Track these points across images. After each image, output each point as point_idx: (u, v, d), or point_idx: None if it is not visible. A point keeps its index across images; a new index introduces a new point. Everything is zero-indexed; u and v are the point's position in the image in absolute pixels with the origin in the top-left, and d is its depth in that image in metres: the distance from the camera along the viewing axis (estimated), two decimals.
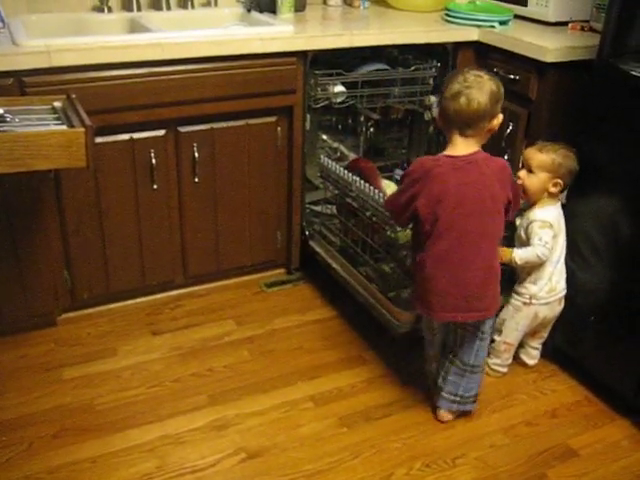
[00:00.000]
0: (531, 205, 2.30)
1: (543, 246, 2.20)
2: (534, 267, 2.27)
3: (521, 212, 2.32)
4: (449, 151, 1.99)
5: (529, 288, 2.30)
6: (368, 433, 2.17)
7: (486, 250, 2.00)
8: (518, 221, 2.33)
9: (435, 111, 2.98)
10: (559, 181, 2.24)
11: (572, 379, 2.45)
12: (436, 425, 2.22)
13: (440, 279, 1.99)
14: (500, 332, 2.39)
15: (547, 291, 2.30)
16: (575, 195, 2.32)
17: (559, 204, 2.30)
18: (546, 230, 2.22)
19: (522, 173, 2.29)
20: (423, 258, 2.00)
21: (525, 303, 2.31)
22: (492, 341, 2.40)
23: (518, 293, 2.33)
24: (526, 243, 2.26)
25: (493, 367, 2.44)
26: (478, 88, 1.93)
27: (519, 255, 2.23)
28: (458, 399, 2.19)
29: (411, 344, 2.42)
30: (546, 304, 2.31)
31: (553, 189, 2.25)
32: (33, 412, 2.20)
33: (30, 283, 2.42)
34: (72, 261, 2.50)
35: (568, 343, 2.44)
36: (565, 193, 2.35)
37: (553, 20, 2.80)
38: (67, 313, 2.62)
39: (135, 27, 2.65)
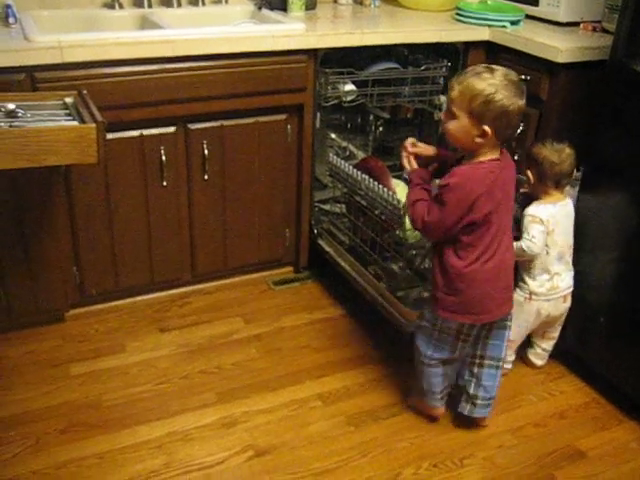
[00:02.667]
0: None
1: (529, 240, 2.22)
2: (531, 262, 2.27)
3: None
4: (490, 155, 1.87)
5: (528, 283, 2.30)
6: (376, 432, 2.17)
7: (510, 238, 2.01)
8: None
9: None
10: (527, 171, 2.29)
11: (581, 380, 2.44)
12: (444, 425, 2.22)
13: (491, 280, 1.95)
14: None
15: (549, 288, 2.29)
16: (591, 193, 2.31)
17: (564, 203, 2.28)
18: (534, 225, 2.23)
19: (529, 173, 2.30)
20: (474, 266, 1.91)
21: (526, 298, 2.31)
22: None
23: (520, 288, 2.33)
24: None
25: None
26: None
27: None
28: (493, 400, 2.17)
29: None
30: (547, 301, 2.31)
31: (530, 184, 2.29)
32: (40, 407, 2.20)
33: (39, 278, 2.42)
34: (81, 257, 2.50)
35: (577, 344, 2.44)
36: (576, 194, 2.34)
37: (564, 20, 2.79)
38: (75, 309, 2.62)
39: (146, 24, 2.65)
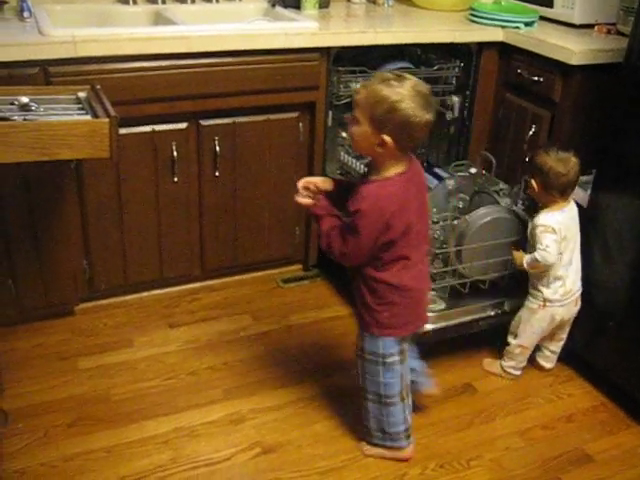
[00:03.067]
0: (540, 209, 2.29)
1: (543, 250, 2.19)
2: (545, 271, 2.25)
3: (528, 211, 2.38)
4: (396, 168, 1.79)
5: (542, 291, 2.28)
6: None
7: (427, 242, 1.97)
8: (529, 226, 2.31)
9: (457, 110, 2.98)
10: (530, 179, 2.25)
11: (589, 384, 2.44)
12: (450, 426, 2.21)
13: (417, 287, 1.92)
14: (515, 335, 2.37)
15: (562, 294, 2.28)
16: (602, 196, 2.29)
17: (569, 207, 2.27)
18: (547, 235, 2.20)
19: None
20: (399, 276, 1.86)
21: (540, 306, 2.30)
22: (507, 344, 2.39)
23: (533, 296, 2.32)
24: (533, 248, 2.25)
25: (507, 370, 2.43)
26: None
27: (526, 260, 2.25)
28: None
29: (427, 344, 2.40)
30: (562, 306, 2.30)
31: (532, 190, 2.26)
32: (49, 400, 2.21)
33: (49, 272, 2.43)
34: (91, 251, 2.51)
35: (586, 348, 2.43)
36: (587, 196, 2.33)
37: (579, 22, 2.78)
38: (84, 303, 2.63)
39: (159, 19, 2.66)
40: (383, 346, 1.93)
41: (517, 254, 2.30)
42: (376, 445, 2.08)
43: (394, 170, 1.78)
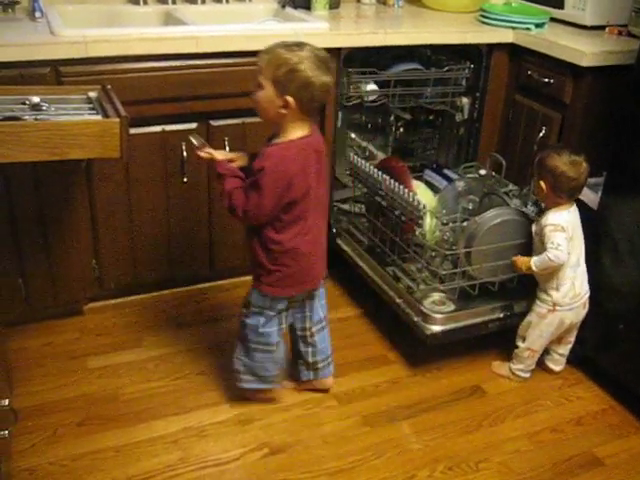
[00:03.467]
0: (544, 210, 2.29)
1: (556, 249, 2.17)
2: (554, 273, 2.24)
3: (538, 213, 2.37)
4: (300, 131, 1.89)
5: (552, 294, 2.27)
6: (391, 433, 2.17)
7: (325, 209, 2.11)
8: (534, 228, 2.31)
9: (466, 112, 2.97)
10: (540, 182, 2.23)
11: (598, 387, 2.42)
12: (459, 428, 2.21)
13: (311, 252, 2.03)
14: (524, 339, 2.36)
15: (571, 297, 2.27)
16: (613, 198, 2.28)
17: (573, 208, 2.26)
18: (558, 233, 2.19)
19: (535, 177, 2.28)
20: (296, 240, 1.96)
21: (549, 310, 2.28)
22: (515, 347, 2.39)
23: (542, 300, 2.30)
24: (542, 249, 2.24)
25: (516, 372, 2.42)
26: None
27: (535, 262, 2.23)
28: (332, 356, 2.28)
29: (436, 346, 2.40)
30: (571, 310, 2.29)
31: (541, 193, 2.25)
32: (58, 399, 2.21)
33: (59, 271, 2.44)
34: (101, 251, 2.51)
35: (595, 350, 2.42)
36: (597, 199, 2.32)
37: (590, 24, 2.77)
38: (94, 302, 2.63)
39: (170, 20, 2.66)
40: (270, 303, 2.06)
41: (520, 259, 2.29)
42: (243, 388, 2.21)
43: (297, 134, 1.88)
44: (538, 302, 2.31)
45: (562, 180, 2.18)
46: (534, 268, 2.23)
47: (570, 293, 2.26)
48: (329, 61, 1.86)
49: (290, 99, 1.80)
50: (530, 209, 2.49)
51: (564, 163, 2.17)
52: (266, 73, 1.81)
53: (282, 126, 1.89)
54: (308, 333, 2.19)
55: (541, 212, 2.34)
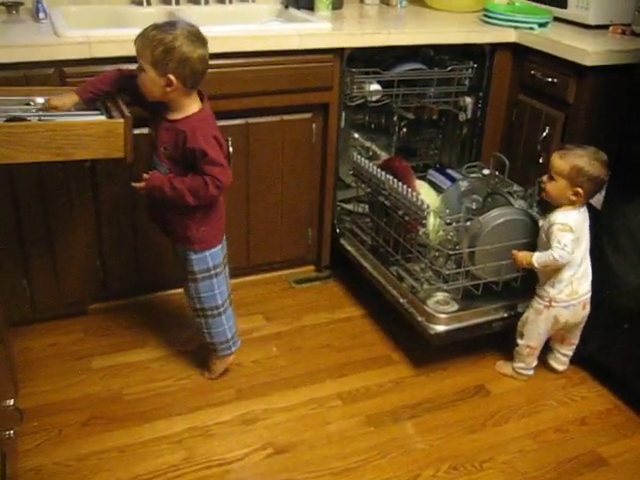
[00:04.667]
0: (554, 208, 2.26)
1: (562, 249, 2.16)
2: (555, 270, 2.24)
3: (543, 214, 2.35)
4: (195, 106, 1.96)
5: (548, 291, 2.27)
6: (395, 433, 2.17)
7: None
8: (540, 223, 2.31)
9: (470, 111, 2.97)
10: (578, 190, 2.17)
11: (602, 386, 2.42)
12: (463, 428, 2.21)
13: (223, 206, 2.15)
14: (522, 335, 2.37)
15: (567, 294, 2.26)
16: (617, 197, 2.27)
17: (584, 208, 2.25)
18: (566, 233, 2.18)
19: (545, 177, 2.25)
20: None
21: (545, 306, 2.28)
22: (515, 345, 2.39)
23: (539, 296, 2.31)
24: (546, 245, 2.23)
25: (518, 371, 2.43)
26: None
27: (537, 259, 2.22)
28: None
29: (440, 345, 2.40)
30: (566, 307, 2.28)
31: (573, 197, 2.19)
32: (63, 400, 2.22)
33: (63, 272, 2.45)
34: (105, 251, 2.52)
35: (599, 350, 2.41)
36: (602, 198, 2.32)
37: (593, 23, 2.77)
38: (98, 303, 2.64)
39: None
40: (212, 259, 2.14)
41: (522, 254, 2.28)
42: (222, 357, 2.32)
43: (192, 109, 1.95)
44: (536, 298, 2.32)
45: (599, 185, 2.20)
46: (535, 264, 2.23)
47: (566, 290, 2.26)
48: (201, 34, 1.90)
49: (172, 77, 1.86)
50: (535, 210, 2.48)
51: (602, 169, 2.18)
52: (144, 56, 1.86)
53: (174, 103, 1.94)
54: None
55: (547, 209, 2.33)
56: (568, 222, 2.19)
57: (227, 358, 2.34)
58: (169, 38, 1.83)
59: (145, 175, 2.00)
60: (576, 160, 2.17)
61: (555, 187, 2.21)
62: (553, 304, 2.27)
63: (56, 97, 1.99)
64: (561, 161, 2.19)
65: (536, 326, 2.32)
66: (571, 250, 2.18)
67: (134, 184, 2.02)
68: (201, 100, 1.99)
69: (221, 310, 2.23)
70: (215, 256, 2.15)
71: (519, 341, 2.38)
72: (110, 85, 2.03)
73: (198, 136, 1.92)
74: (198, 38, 1.89)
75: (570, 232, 2.18)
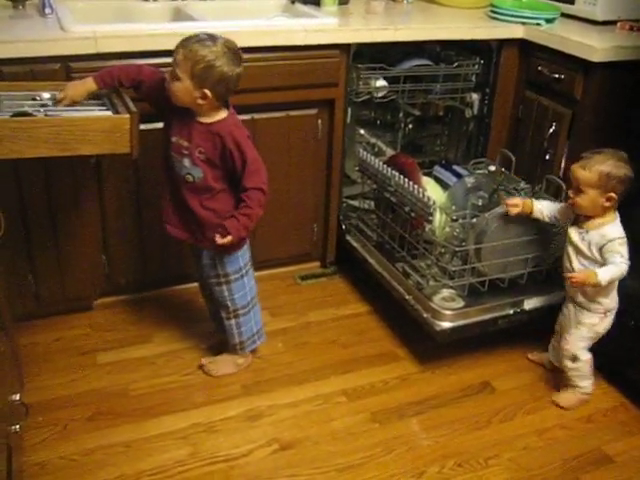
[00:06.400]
0: (588, 218, 2.14)
1: (626, 263, 2.07)
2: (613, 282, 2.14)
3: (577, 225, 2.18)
4: (221, 114, 2.01)
5: (602, 301, 2.18)
6: (400, 430, 2.17)
7: None
8: (575, 236, 2.17)
9: (476, 108, 2.97)
10: (611, 195, 2.08)
11: (608, 384, 2.42)
12: (469, 425, 2.21)
13: None
14: (576, 358, 2.25)
15: (617, 301, 2.21)
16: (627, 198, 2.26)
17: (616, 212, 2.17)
18: (625, 246, 2.09)
19: (570, 192, 2.14)
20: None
21: (601, 318, 2.20)
22: (566, 371, 2.30)
23: (591, 309, 2.19)
24: (597, 261, 2.12)
25: (586, 391, 2.32)
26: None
27: (604, 277, 2.06)
28: None
29: (446, 342, 2.39)
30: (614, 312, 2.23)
31: (607, 204, 2.10)
32: (68, 395, 2.22)
33: (68, 267, 2.45)
34: (110, 247, 2.52)
35: (606, 348, 2.40)
36: None
37: (601, 19, 2.75)
38: (103, 298, 2.64)
39: (179, 15, 2.66)
40: (242, 258, 2.19)
41: (584, 275, 2.08)
42: (242, 356, 2.36)
43: (222, 114, 2.00)
44: (587, 313, 2.20)
45: (629, 183, 2.10)
46: (603, 283, 2.06)
47: (617, 296, 2.20)
48: (239, 52, 1.95)
49: (208, 92, 1.90)
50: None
51: (627, 167, 2.09)
52: (184, 67, 1.89)
53: (203, 110, 1.97)
54: None
55: (577, 221, 2.19)
56: (623, 233, 2.11)
57: (244, 358, 2.36)
58: (211, 56, 1.87)
59: (219, 239, 2.01)
60: (601, 167, 2.07)
61: (586, 199, 2.10)
62: (608, 314, 2.20)
63: (71, 85, 2.02)
64: (585, 172, 2.08)
65: (594, 337, 2.24)
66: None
67: (219, 241, 2.02)
68: (226, 107, 2.02)
69: (250, 306, 2.27)
70: (245, 254, 2.20)
71: (575, 364, 2.27)
72: (129, 81, 2.05)
73: (237, 137, 1.98)
74: (237, 56, 1.94)
75: (625, 243, 2.10)
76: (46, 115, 1.90)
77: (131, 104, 1.96)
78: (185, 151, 2.00)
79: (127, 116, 1.90)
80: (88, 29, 2.19)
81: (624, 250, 2.10)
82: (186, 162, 2.00)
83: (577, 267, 2.16)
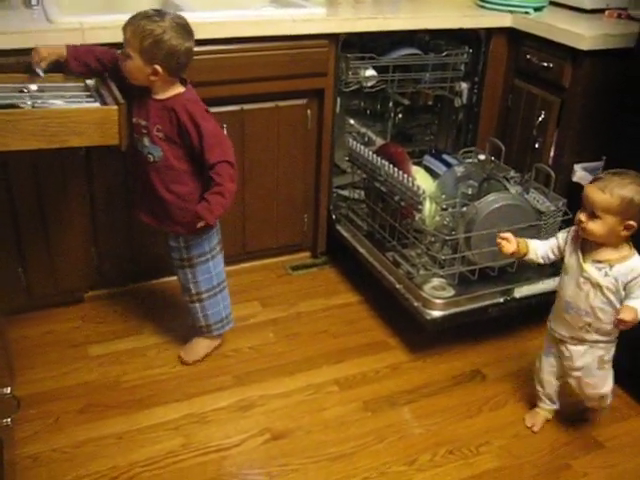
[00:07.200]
0: (599, 248, 1.89)
1: None
2: None
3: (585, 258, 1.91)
4: (177, 89, 2.01)
5: (614, 332, 1.99)
6: (392, 418, 2.18)
7: None
8: (594, 272, 1.88)
9: (465, 97, 2.97)
10: (632, 223, 1.82)
11: None
12: (460, 413, 2.22)
13: None
14: (603, 396, 2.09)
15: None
16: None
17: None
18: None
19: (582, 216, 1.86)
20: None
21: (613, 343, 2.02)
22: (587, 409, 2.19)
23: (608, 342, 2.00)
24: (622, 296, 1.87)
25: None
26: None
27: None
28: None
29: (436, 331, 2.40)
30: None
31: (625, 232, 1.84)
32: (59, 387, 2.22)
33: (58, 260, 2.44)
34: (100, 239, 2.51)
35: None
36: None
37: (589, 7, 2.76)
38: (94, 290, 2.63)
39: (167, 6, 2.64)
40: (208, 242, 2.18)
41: (628, 314, 1.81)
42: (211, 337, 2.36)
43: (177, 90, 2.00)
44: (601, 346, 1.99)
45: None
46: None
47: None
48: (189, 26, 1.96)
49: (158, 67, 1.91)
50: (532, 196, 2.48)
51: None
52: (132, 44, 1.90)
53: (157, 87, 1.98)
54: None
55: (583, 249, 1.92)
56: None
57: (214, 341, 2.37)
58: (159, 30, 1.87)
59: (200, 222, 2.02)
60: (622, 191, 1.79)
61: (602, 226, 1.82)
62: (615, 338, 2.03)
63: (44, 46, 2.04)
64: (605, 195, 1.80)
65: (611, 369, 2.06)
66: None
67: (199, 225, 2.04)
68: (182, 84, 2.03)
69: (217, 290, 2.27)
70: (212, 239, 2.18)
71: (605, 403, 2.12)
72: (96, 58, 2.07)
73: (191, 110, 1.97)
74: (186, 30, 1.94)
75: None
76: (34, 107, 1.89)
77: (119, 95, 1.95)
78: (144, 130, 2.00)
79: (115, 107, 1.89)
80: (75, 20, 2.17)
81: None
82: (146, 141, 2.01)
83: (598, 305, 1.90)
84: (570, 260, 1.96)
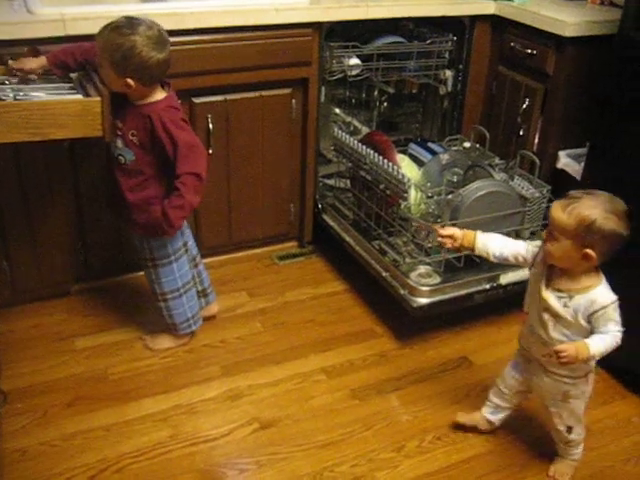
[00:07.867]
0: (564, 275, 1.71)
1: (620, 330, 1.67)
2: None
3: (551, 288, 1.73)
4: (159, 96, 1.99)
5: (592, 363, 1.84)
6: (380, 406, 2.19)
7: None
8: (554, 301, 1.71)
9: (450, 84, 2.97)
10: (589, 252, 1.61)
11: None
12: (447, 399, 2.23)
13: None
14: (571, 429, 1.91)
15: None
16: (596, 169, 2.26)
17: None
18: (618, 310, 1.68)
19: (544, 233, 1.73)
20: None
21: (591, 373, 1.87)
22: (565, 443, 1.98)
23: (586, 375, 1.84)
24: (582, 329, 1.70)
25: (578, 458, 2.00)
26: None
27: (598, 350, 1.65)
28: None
29: (423, 318, 2.41)
30: None
31: (582, 262, 1.64)
32: (47, 381, 2.22)
33: (44, 253, 2.43)
34: (86, 232, 2.50)
35: None
36: (581, 169, 2.33)
37: None
38: (80, 283, 2.62)
39: None
40: (171, 245, 2.17)
41: (574, 350, 1.62)
42: (180, 336, 2.36)
43: (156, 97, 1.98)
44: (580, 381, 1.83)
45: (618, 243, 1.63)
46: (597, 357, 1.69)
47: None
48: (163, 35, 1.91)
49: (130, 80, 1.88)
50: (516, 182, 2.49)
51: (621, 223, 1.60)
52: (103, 57, 1.87)
53: (133, 96, 1.96)
54: (196, 262, 2.35)
55: (550, 279, 1.74)
56: (614, 295, 1.68)
57: (180, 339, 2.37)
58: (127, 44, 1.83)
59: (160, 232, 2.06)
60: (584, 212, 1.60)
61: (558, 249, 1.65)
62: (592, 371, 1.87)
63: (23, 60, 2.00)
64: (564, 215, 1.62)
65: (587, 400, 1.90)
66: None
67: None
68: (164, 88, 2.01)
69: (182, 292, 2.25)
70: (175, 241, 2.17)
71: (572, 436, 1.93)
72: (75, 60, 2.04)
73: (166, 120, 1.94)
74: (159, 41, 1.89)
75: (617, 304, 1.69)
76: (15, 99, 1.88)
77: (102, 87, 1.94)
78: (119, 132, 1.99)
79: (98, 99, 1.88)
80: (56, 11, 2.15)
81: (618, 315, 1.68)
82: (119, 143, 2.00)
83: (556, 337, 1.73)
84: (534, 284, 1.80)
